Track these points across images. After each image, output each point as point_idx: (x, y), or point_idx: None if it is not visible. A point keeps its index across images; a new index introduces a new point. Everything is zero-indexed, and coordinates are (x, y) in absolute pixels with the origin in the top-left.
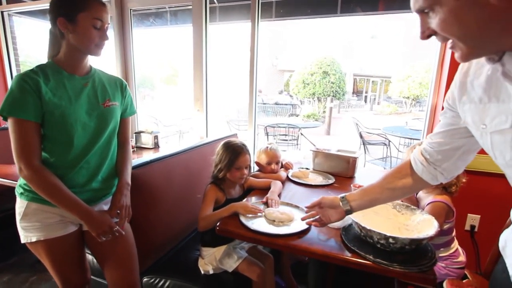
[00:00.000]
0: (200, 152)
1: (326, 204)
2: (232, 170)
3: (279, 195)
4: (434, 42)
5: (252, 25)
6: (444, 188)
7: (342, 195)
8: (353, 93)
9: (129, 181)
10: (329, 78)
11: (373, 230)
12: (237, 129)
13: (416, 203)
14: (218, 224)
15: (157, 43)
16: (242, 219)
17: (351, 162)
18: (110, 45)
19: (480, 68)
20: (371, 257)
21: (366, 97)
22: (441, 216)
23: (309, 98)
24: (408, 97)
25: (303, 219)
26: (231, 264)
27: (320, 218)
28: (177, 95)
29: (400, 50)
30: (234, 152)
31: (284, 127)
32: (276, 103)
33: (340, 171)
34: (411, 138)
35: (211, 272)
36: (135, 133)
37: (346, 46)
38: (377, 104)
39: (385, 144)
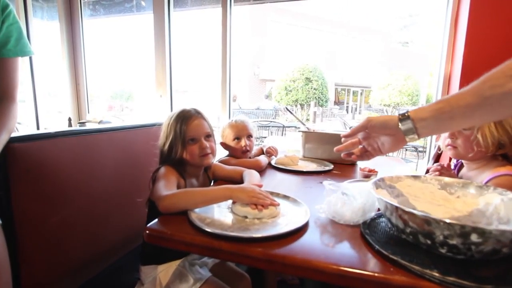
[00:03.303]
0: (147, 134)
1: (376, 125)
2: (187, 145)
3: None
4: (410, 54)
5: (224, 10)
6: (504, 157)
7: (402, 111)
8: (334, 103)
9: None
10: (311, 85)
11: (438, 218)
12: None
13: None
14: (147, 226)
15: (120, 39)
16: (193, 216)
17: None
18: (55, 39)
19: None
20: (435, 273)
21: (347, 107)
22: None
23: (291, 105)
24: (389, 105)
25: (337, 150)
26: None
27: (365, 149)
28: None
29: (378, 60)
30: (181, 117)
31: (267, 126)
32: (258, 108)
33: (339, 157)
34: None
35: None
36: (78, 123)
37: (328, 57)
38: (358, 113)
39: None
